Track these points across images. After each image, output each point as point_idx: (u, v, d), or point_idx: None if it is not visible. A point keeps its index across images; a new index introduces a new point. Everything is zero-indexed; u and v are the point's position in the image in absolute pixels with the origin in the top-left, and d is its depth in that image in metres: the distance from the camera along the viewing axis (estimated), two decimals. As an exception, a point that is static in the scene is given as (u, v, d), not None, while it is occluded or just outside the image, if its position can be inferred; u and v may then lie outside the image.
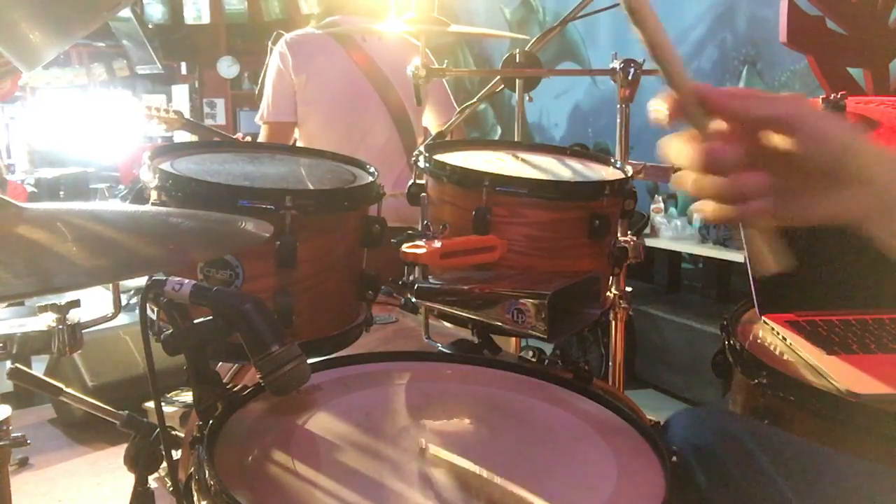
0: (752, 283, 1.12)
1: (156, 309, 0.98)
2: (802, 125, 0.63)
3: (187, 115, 3.26)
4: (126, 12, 5.65)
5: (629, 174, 1.24)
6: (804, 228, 1.14)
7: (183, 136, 5.93)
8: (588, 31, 4.55)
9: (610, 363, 1.59)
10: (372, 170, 1.18)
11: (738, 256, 3.22)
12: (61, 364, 2.82)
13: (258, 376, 0.84)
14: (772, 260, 0.66)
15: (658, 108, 0.66)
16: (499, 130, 5.32)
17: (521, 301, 1.00)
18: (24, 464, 2.58)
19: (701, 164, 0.64)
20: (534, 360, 1.19)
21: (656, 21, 0.64)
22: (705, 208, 0.65)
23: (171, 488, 0.85)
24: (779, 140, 0.64)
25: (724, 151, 0.63)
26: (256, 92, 2.52)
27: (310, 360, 0.88)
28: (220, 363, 1.15)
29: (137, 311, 0.90)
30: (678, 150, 0.65)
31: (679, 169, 0.66)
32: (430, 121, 2.49)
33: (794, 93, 0.71)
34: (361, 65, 2.31)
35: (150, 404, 2.53)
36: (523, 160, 1.32)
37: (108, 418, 1.14)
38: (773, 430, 0.93)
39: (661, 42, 0.64)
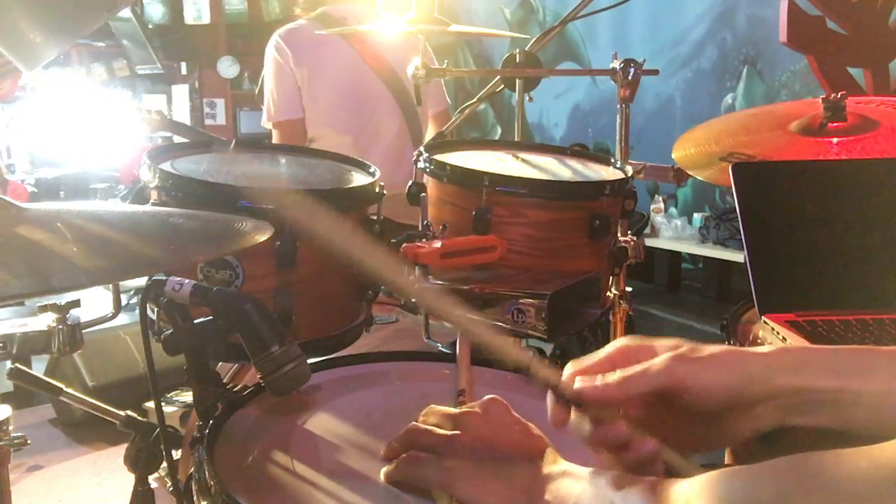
0: (752, 282, 1.12)
1: (156, 309, 0.98)
2: (683, 389, 0.63)
3: (187, 115, 3.22)
4: (126, 12, 5.66)
5: (629, 174, 1.24)
6: (804, 227, 1.14)
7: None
8: (588, 31, 4.55)
9: (610, 363, 1.58)
10: (372, 170, 1.18)
11: (738, 256, 3.22)
12: (61, 364, 2.82)
13: (258, 376, 0.84)
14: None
15: (554, 417, 0.67)
16: (499, 130, 5.31)
17: (521, 301, 1.00)
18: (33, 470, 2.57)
19: (597, 446, 0.66)
20: (534, 360, 1.18)
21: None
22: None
23: (171, 488, 0.85)
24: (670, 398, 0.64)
25: (614, 435, 0.64)
26: (256, 92, 2.50)
27: (310, 360, 0.88)
28: (220, 363, 1.15)
29: (137, 311, 0.90)
30: (580, 428, 0.66)
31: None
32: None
33: (671, 343, 0.71)
34: (365, 55, 2.24)
35: (150, 404, 2.54)
36: (523, 160, 1.32)
37: (108, 418, 1.14)
38: None
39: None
